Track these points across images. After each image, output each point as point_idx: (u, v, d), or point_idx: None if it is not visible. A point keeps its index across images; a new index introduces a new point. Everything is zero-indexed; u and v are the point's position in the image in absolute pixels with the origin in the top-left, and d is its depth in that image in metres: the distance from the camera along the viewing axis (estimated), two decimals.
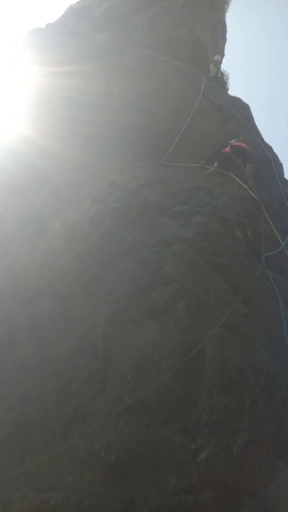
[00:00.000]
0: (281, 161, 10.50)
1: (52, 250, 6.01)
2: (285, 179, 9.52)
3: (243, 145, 8.87)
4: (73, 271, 5.68)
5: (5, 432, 4.30)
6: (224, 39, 19.94)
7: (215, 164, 8.52)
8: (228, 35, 20.29)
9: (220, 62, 16.47)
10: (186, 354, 4.56)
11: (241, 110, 11.80)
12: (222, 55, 18.80)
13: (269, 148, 10.55)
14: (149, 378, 4.46)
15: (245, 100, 13.24)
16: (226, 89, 15.52)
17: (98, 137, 9.44)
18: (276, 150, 10.90)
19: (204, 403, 4.19)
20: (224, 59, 18.57)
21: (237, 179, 7.72)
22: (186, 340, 4.69)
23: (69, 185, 7.14)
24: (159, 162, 9.18)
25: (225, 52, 19.93)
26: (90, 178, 7.44)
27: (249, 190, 7.34)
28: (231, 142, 9.11)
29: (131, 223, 6.08)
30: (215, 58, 15.06)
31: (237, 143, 8.79)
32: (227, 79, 16.38)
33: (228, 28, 20.33)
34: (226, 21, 20.29)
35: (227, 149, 8.82)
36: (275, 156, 10.40)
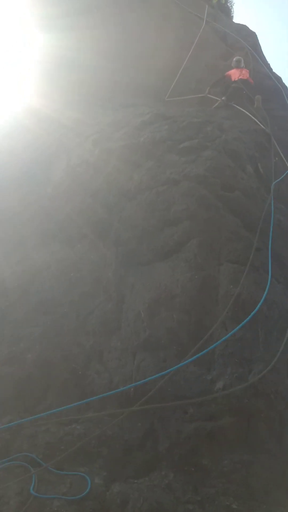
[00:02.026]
0: None
1: (59, 194, 5.87)
2: None
3: (246, 75, 8.39)
4: (81, 214, 5.57)
5: (25, 372, 4.41)
6: None
7: (223, 98, 8.11)
8: None
9: None
10: (199, 291, 4.55)
11: (247, 38, 11.04)
12: None
13: (278, 79, 9.96)
14: (163, 315, 4.48)
15: (253, 28, 12.37)
16: (231, 17, 14.45)
17: (90, 80, 8.91)
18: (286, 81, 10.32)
19: (218, 335, 4.23)
20: None
21: (246, 112, 7.34)
22: (198, 277, 4.65)
23: (70, 125, 6.84)
24: (162, 99, 8.76)
25: None
26: (90, 118, 7.10)
27: (258, 122, 6.99)
28: (234, 60, 8.67)
29: (137, 161, 5.87)
30: None
31: (241, 76, 8.31)
32: (232, 6, 15.21)
33: None
34: None
35: (231, 71, 8.40)
36: (284, 87, 9.83)
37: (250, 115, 7.21)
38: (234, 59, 8.91)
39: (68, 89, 8.52)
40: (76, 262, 5.26)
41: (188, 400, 3.96)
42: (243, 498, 3.58)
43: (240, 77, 8.19)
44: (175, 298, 4.56)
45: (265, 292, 4.36)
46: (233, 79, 8.30)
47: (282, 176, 5.99)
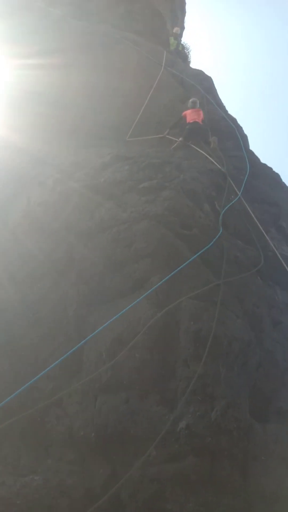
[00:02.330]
0: (245, 133, 10.52)
1: (19, 233, 5.84)
2: (250, 150, 9.55)
3: (200, 117, 8.86)
4: (42, 253, 5.55)
5: None
6: (183, 12, 19.56)
7: (180, 139, 8.47)
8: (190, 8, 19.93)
9: (180, 35, 16.24)
10: (160, 329, 4.57)
11: (203, 82, 11.69)
12: (182, 27, 18.49)
13: (233, 120, 10.53)
14: (125, 355, 4.44)
15: (209, 73, 13.15)
16: (188, 62, 15.33)
17: (54, 120, 9.16)
18: (240, 122, 10.92)
19: (181, 373, 4.23)
20: (185, 32, 18.30)
21: (203, 152, 7.68)
22: (160, 314, 4.68)
23: (31, 165, 6.91)
24: (123, 140, 9.04)
25: (186, 26, 19.61)
26: (51, 158, 7.22)
27: (214, 162, 7.32)
28: (190, 101, 9.17)
29: (98, 201, 5.97)
30: (174, 31, 14.82)
31: (194, 119, 8.77)
32: (189, 52, 16.18)
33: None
34: None
35: (187, 112, 8.85)
36: (239, 128, 10.39)
37: (206, 155, 7.54)
38: (190, 100, 9.41)
39: (34, 125, 8.70)
40: (35, 302, 5.19)
41: (152, 441, 3.90)
42: None
43: (194, 120, 8.62)
44: (137, 337, 4.54)
45: None
46: (188, 121, 8.72)
47: (231, 203, 6.25)
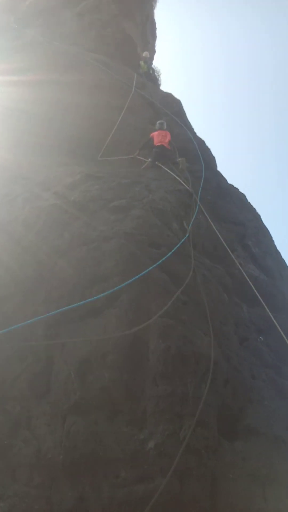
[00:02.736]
0: (213, 155, 10.88)
1: None
2: (218, 171, 9.86)
3: (167, 138, 9.12)
4: (9, 273, 5.48)
5: None
6: (154, 36, 20.21)
7: (149, 159, 8.66)
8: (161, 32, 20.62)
9: (151, 58, 16.73)
10: (130, 348, 4.58)
11: (173, 104, 12.04)
12: (153, 51, 19.07)
13: (201, 142, 10.86)
14: (94, 375, 4.43)
15: (181, 95, 13.62)
16: (158, 85, 15.76)
17: (26, 137, 9.21)
18: (209, 144, 11.28)
19: (150, 392, 4.24)
20: (159, 56, 18.86)
21: (171, 173, 7.87)
22: (129, 333, 4.70)
23: (1, 182, 6.87)
24: (95, 159, 9.15)
25: (161, 48, 20.20)
26: (21, 177, 7.21)
27: (183, 183, 7.51)
28: (157, 122, 9.45)
29: (67, 220, 5.98)
30: (144, 55, 15.25)
31: (160, 141, 9.03)
32: (159, 75, 16.65)
33: (161, 25, 20.65)
34: (156, 18, 20.56)
35: (155, 133, 9.10)
36: (207, 149, 10.73)
37: (175, 175, 7.74)
38: (158, 122, 9.69)
39: (5, 140, 8.69)
40: (3, 323, 5.09)
41: (121, 462, 3.87)
42: None
43: (160, 143, 8.88)
44: (107, 356, 4.54)
45: None
46: (155, 143, 8.97)
47: (194, 217, 6.42)
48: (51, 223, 5.99)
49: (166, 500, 3.71)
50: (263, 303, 6.06)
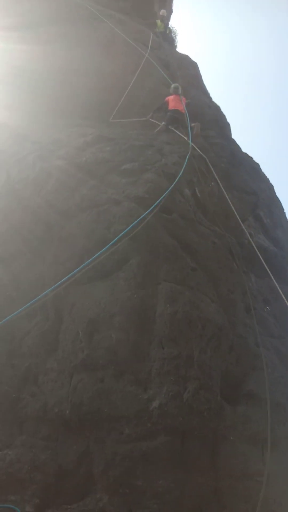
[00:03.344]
0: (228, 122, 10.57)
1: None
2: (232, 139, 9.61)
3: (182, 104, 8.83)
4: (20, 232, 5.46)
5: None
6: None
7: (163, 123, 8.43)
8: None
9: (168, 18, 15.99)
10: (137, 310, 4.61)
11: (189, 67, 11.61)
12: (170, 11, 18.19)
13: (217, 108, 10.54)
14: (102, 335, 4.49)
15: (197, 58, 13.09)
16: (174, 46, 15.14)
17: (41, 95, 8.97)
18: (224, 109, 10.95)
19: (155, 354, 4.30)
20: (173, 16, 18.03)
21: (185, 137, 7.68)
22: (137, 296, 4.73)
23: (11, 141, 6.74)
24: (107, 121, 8.93)
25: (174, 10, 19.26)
26: (33, 135, 7.06)
27: (197, 148, 7.33)
28: (172, 86, 9.14)
29: (79, 181, 5.90)
30: (160, 13, 14.57)
31: (175, 106, 8.75)
32: (175, 36, 15.97)
33: None
34: None
35: (169, 98, 8.81)
36: (222, 116, 10.42)
37: (189, 140, 7.55)
38: (172, 85, 9.36)
39: (14, 100, 8.46)
40: (12, 281, 5.14)
41: (125, 420, 3.98)
42: None
43: (175, 107, 8.61)
44: (114, 317, 4.58)
45: None
46: (169, 107, 8.70)
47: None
48: (61, 184, 5.91)
49: (168, 458, 3.84)
50: (271, 274, 6.04)
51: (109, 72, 10.23)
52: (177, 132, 8.00)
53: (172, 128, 8.21)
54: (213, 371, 4.31)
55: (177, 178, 5.90)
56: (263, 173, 8.55)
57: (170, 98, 9.03)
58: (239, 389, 4.60)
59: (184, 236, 5.39)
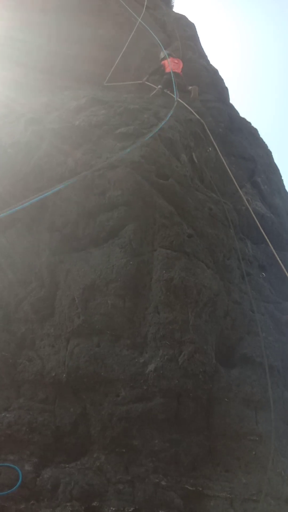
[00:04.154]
0: (226, 86, 10.27)
1: None
2: (230, 104, 9.37)
3: (179, 66, 8.54)
4: (13, 198, 5.34)
5: None
6: None
7: (159, 86, 8.18)
8: None
9: None
10: (133, 277, 4.60)
11: (186, 28, 11.15)
12: None
13: (215, 71, 10.22)
14: (97, 301, 4.48)
15: (192, 19, 12.54)
16: (171, 6, 14.48)
17: (31, 57, 8.60)
18: (222, 74, 10.61)
19: (151, 319, 4.32)
20: None
21: (182, 101, 7.46)
22: (132, 263, 4.70)
23: (1, 104, 6.51)
24: (101, 85, 8.64)
25: None
26: (23, 97, 6.82)
27: (193, 112, 7.14)
28: (169, 48, 8.84)
29: (71, 145, 5.74)
30: None
31: (173, 69, 8.45)
32: None
33: None
34: None
35: (166, 61, 8.53)
36: (220, 80, 10.11)
37: (186, 104, 7.34)
38: (170, 47, 9.02)
39: (4, 66, 8.13)
40: (7, 248, 5.08)
41: (121, 383, 4.03)
42: (171, 475, 3.74)
43: (173, 70, 8.32)
44: (110, 284, 4.57)
45: None
46: (167, 70, 8.41)
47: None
48: (54, 148, 5.74)
49: (163, 418, 3.92)
50: (268, 241, 6.03)
51: (102, 34, 9.81)
52: (172, 95, 7.77)
53: (168, 92, 7.97)
54: (208, 335, 4.34)
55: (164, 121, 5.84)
56: (261, 138, 8.41)
57: (167, 61, 8.72)
58: (234, 353, 4.66)
59: (181, 202, 5.31)
